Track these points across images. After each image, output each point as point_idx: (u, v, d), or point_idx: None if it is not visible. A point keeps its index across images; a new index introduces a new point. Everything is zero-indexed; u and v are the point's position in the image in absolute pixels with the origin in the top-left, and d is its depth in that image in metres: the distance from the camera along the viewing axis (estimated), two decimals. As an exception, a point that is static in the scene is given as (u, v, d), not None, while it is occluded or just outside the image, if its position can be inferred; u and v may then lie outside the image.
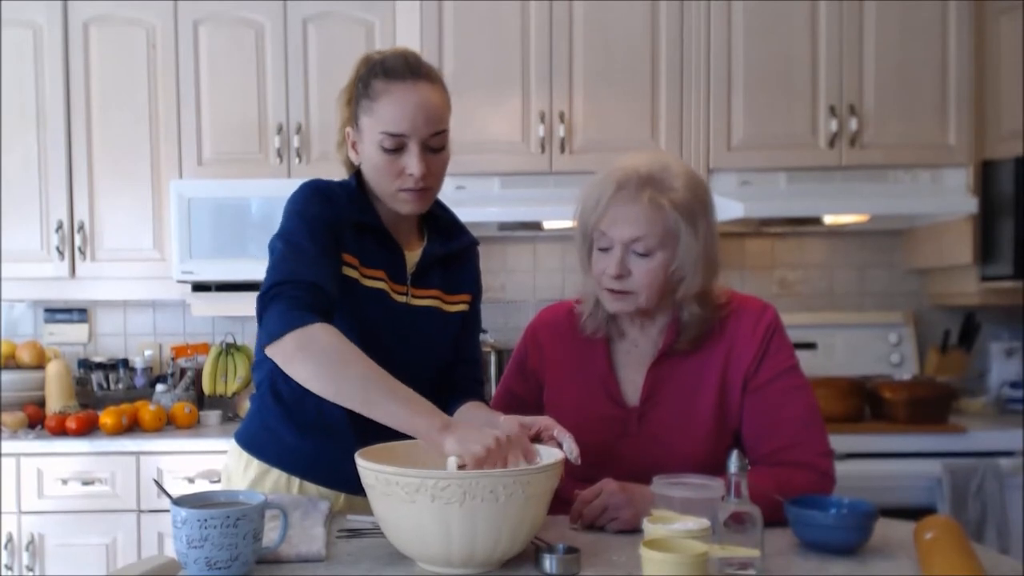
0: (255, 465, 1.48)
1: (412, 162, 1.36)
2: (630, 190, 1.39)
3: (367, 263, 1.41)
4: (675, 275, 1.42)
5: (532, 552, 1.17)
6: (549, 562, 1.12)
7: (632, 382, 1.50)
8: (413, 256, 1.47)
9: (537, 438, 1.29)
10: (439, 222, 1.53)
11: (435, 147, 1.38)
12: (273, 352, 1.27)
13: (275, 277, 1.31)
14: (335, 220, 1.38)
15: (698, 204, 1.41)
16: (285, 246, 1.34)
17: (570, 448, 1.26)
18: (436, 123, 1.37)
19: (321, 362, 1.23)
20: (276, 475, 1.47)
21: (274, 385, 1.44)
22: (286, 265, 1.31)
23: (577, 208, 1.48)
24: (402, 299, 1.45)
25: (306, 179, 1.46)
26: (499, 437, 1.16)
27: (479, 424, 1.26)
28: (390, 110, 1.35)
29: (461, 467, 1.13)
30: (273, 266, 1.33)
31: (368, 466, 1.11)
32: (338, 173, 1.52)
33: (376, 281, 1.41)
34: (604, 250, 1.43)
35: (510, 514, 1.09)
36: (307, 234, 1.34)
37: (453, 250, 1.52)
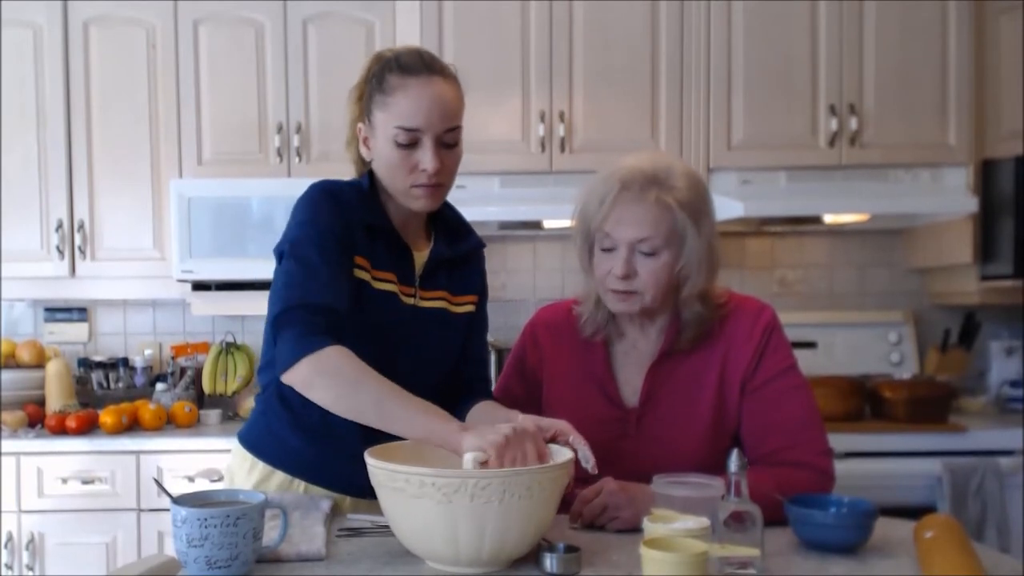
0: (260, 467, 1.48)
1: (426, 157, 1.35)
2: (635, 190, 1.39)
3: (378, 265, 1.40)
4: (680, 274, 1.42)
5: (533, 551, 1.16)
6: (550, 561, 1.12)
7: (631, 383, 1.50)
8: (421, 257, 1.47)
9: (552, 441, 1.29)
10: (447, 223, 1.52)
11: (449, 143, 1.37)
12: (290, 379, 1.27)
13: (287, 300, 1.30)
14: (346, 225, 1.36)
15: (701, 202, 1.42)
16: (295, 262, 1.33)
17: (585, 456, 1.26)
18: (451, 118, 1.36)
19: (337, 385, 1.24)
20: (280, 477, 1.47)
21: (280, 389, 1.42)
22: (297, 286, 1.30)
23: (577, 208, 1.47)
24: (410, 301, 1.44)
25: (307, 179, 1.45)
26: (515, 427, 1.17)
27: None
28: (405, 104, 1.34)
29: (483, 464, 1.13)
30: (284, 285, 1.32)
31: (399, 469, 1.09)
32: (338, 173, 1.52)
33: (386, 284, 1.41)
34: (608, 251, 1.43)
35: (537, 510, 1.10)
36: (317, 247, 1.33)
37: (460, 252, 1.51)
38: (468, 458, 1.14)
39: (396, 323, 1.41)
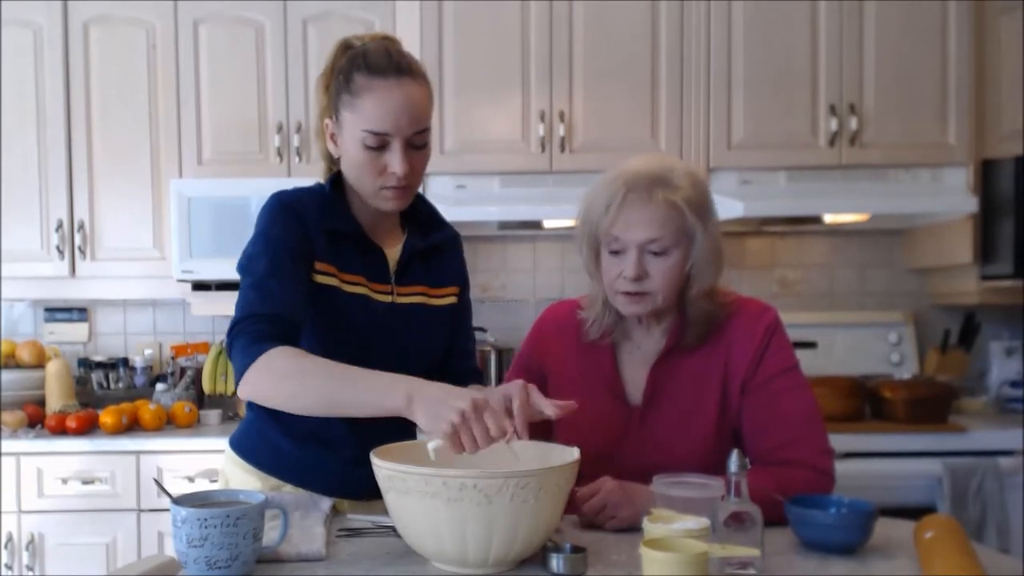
0: (254, 473, 1.48)
1: (395, 161, 1.33)
2: (640, 191, 1.39)
3: (346, 269, 1.40)
4: (690, 273, 1.43)
5: (539, 551, 1.17)
6: (556, 561, 1.13)
7: (635, 381, 1.51)
8: (393, 254, 1.46)
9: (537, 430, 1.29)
10: (419, 216, 1.52)
11: (418, 144, 1.36)
12: (243, 391, 1.26)
13: (237, 314, 1.31)
14: (302, 236, 1.36)
15: (705, 201, 1.43)
16: (248, 277, 1.33)
17: (548, 404, 1.24)
18: (420, 121, 1.35)
19: (284, 383, 1.22)
20: (275, 484, 1.46)
21: None
22: (246, 301, 1.31)
23: (581, 213, 1.47)
24: (387, 299, 1.43)
25: (308, 179, 1.45)
26: (476, 399, 1.11)
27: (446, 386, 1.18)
28: (373, 109, 1.32)
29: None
30: (237, 300, 1.33)
31: (406, 470, 1.09)
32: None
33: (356, 287, 1.40)
34: (616, 254, 1.43)
35: (546, 510, 1.10)
36: (268, 258, 1.33)
37: (433, 244, 1.51)
38: (429, 448, 1.12)
39: (373, 323, 1.41)
